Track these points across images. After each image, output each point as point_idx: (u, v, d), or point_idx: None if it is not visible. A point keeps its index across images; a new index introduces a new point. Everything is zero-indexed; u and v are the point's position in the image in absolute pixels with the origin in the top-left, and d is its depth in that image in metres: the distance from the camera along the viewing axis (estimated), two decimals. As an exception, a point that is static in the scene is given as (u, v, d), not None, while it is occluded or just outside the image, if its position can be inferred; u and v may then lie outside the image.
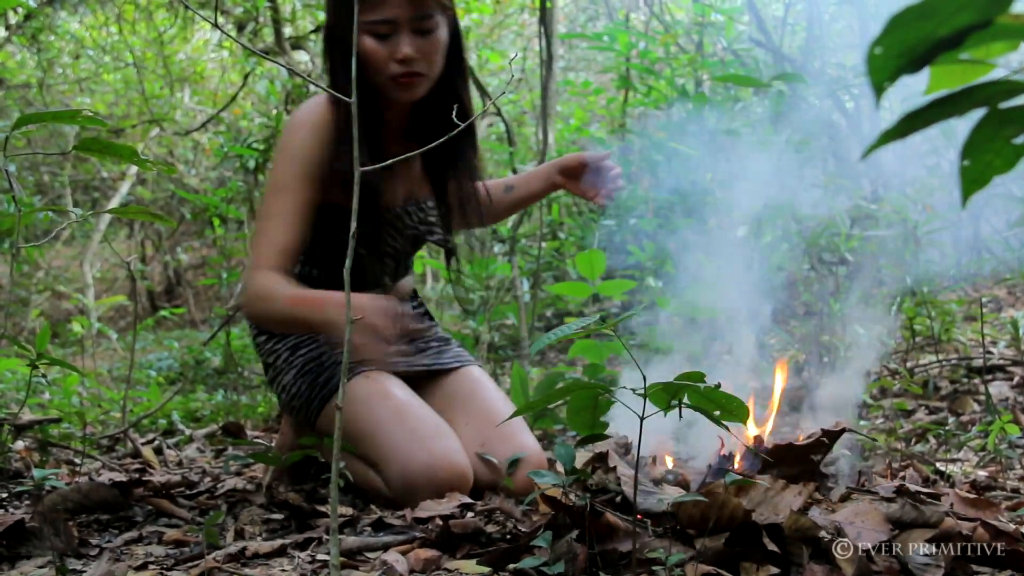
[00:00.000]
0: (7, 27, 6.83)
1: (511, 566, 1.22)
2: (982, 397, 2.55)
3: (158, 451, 2.57)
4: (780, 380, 1.78)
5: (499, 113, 5.02)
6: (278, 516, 1.63)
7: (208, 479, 2.13)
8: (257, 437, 2.76)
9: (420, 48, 1.78)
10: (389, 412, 1.79)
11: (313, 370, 1.90)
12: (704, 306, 2.46)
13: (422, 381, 2.01)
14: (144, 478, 2.00)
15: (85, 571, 1.30)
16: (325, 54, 1.89)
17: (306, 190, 1.79)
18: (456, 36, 1.88)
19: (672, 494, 1.34)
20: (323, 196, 1.82)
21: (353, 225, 1.08)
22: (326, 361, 1.91)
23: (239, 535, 1.52)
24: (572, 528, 1.21)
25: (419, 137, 1.94)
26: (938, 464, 1.88)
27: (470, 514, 1.59)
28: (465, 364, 2.06)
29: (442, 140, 1.34)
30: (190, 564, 1.33)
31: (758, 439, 1.59)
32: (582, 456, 1.39)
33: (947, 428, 2.28)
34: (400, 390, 1.86)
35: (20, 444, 2.35)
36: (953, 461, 2.00)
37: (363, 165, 1.75)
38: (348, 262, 1.09)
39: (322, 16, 6.81)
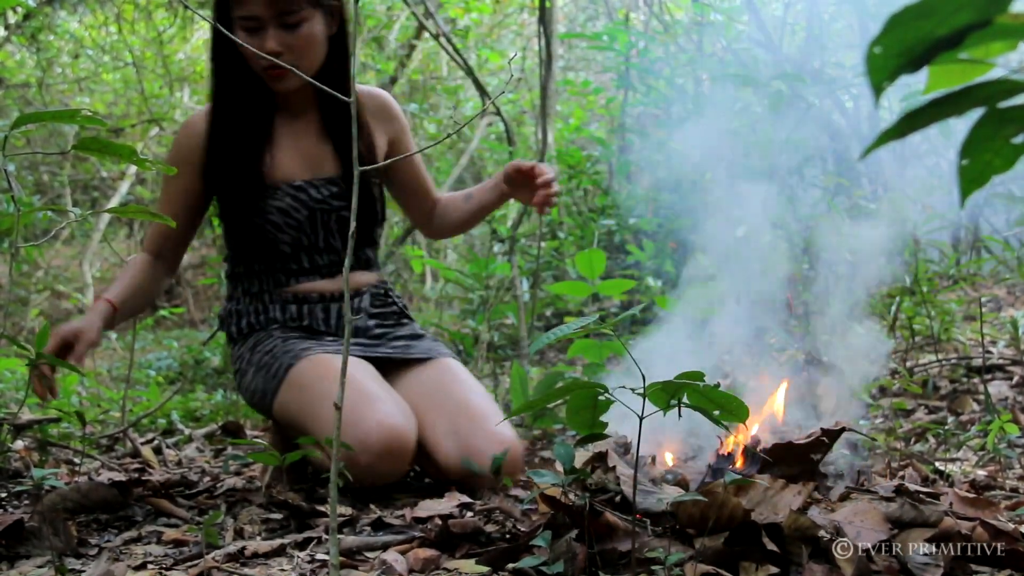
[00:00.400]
0: (6, 26, 6.82)
1: (510, 565, 1.22)
2: (981, 396, 2.55)
3: (157, 451, 2.57)
4: (781, 398, 1.77)
5: (498, 112, 5.02)
6: (277, 516, 1.63)
7: (207, 479, 2.13)
8: (256, 437, 2.76)
9: (285, 42, 1.89)
10: (325, 390, 1.84)
11: (267, 363, 1.97)
12: (705, 306, 2.46)
13: (393, 369, 2.03)
14: (143, 478, 2.00)
15: (84, 571, 1.30)
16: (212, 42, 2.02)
17: (176, 180, 2.01)
18: (342, 28, 2.00)
19: (671, 494, 1.34)
20: (204, 186, 2.04)
21: (353, 225, 1.08)
22: (278, 353, 1.97)
23: (238, 535, 1.52)
24: (571, 527, 1.21)
25: (329, 119, 2.08)
26: (937, 463, 1.88)
27: (469, 514, 1.59)
28: (439, 356, 2.07)
29: (439, 142, 1.34)
30: (189, 564, 1.33)
31: (755, 439, 1.58)
32: (581, 455, 1.39)
33: (946, 428, 2.28)
34: (339, 365, 1.87)
35: (19, 444, 2.35)
36: (952, 460, 2.00)
37: (245, 142, 1.98)
38: (348, 261, 1.09)
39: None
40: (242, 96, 2.00)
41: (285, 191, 2.01)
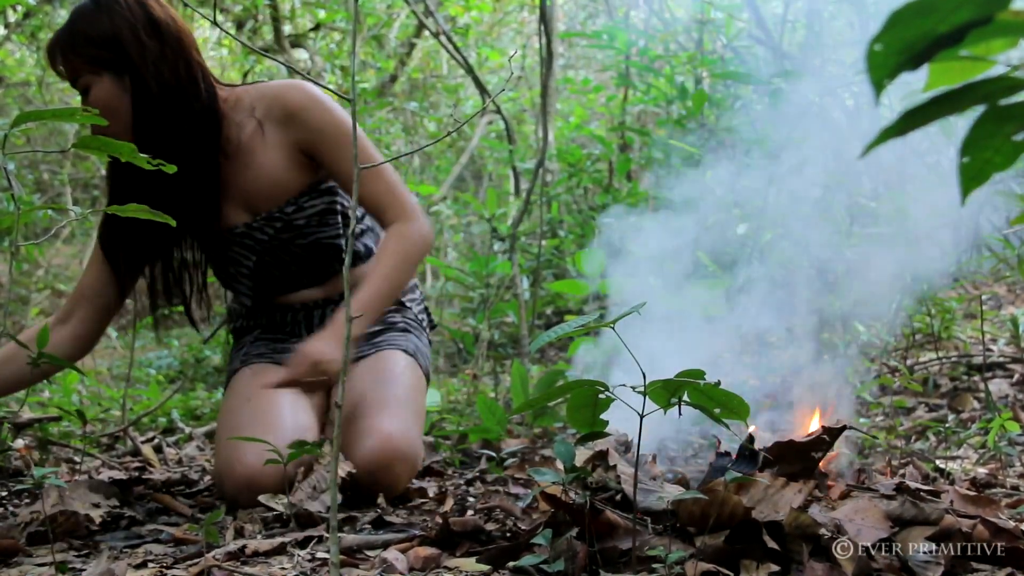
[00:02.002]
0: (6, 25, 6.82)
1: (511, 564, 1.22)
2: (982, 394, 2.55)
3: (158, 449, 2.57)
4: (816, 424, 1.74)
5: (499, 111, 5.02)
6: (277, 514, 1.63)
7: (208, 477, 2.13)
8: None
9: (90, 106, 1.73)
10: (239, 407, 1.87)
11: (230, 367, 2.06)
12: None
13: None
14: (144, 476, 2.01)
15: (85, 570, 1.30)
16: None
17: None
18: (143, 86, 1.80)
19: (672, 492, 1.34)
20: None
21: (353, 224, 1.07)
22: (236, 357, 2.06)
23: (239, 533, 1.52)
24: (572, 526, 1.21)
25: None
26: (938, 461, 1.88)
27: (470, 512, 1.59)
28: (382, 348, 2.02)
29: (438, 140, 1.34)
30: (190, 562, 1.33)
31: (750, 437, 1.58)
32: (582, 454, 1.38)
33: (947, 426, 2.28)
34: (268, 389, 1.87)
35: (20, 442, 2.35)
36: (953, 458, 1.99)
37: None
38: (347, 260, 1.09)
39: (322, 13, 6.81)
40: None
41: (238, 234, 1.97)
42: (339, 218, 1.99)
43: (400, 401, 1.88)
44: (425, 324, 2.20)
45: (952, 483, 1.65)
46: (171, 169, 1.30)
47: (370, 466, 1.74)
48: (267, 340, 2.04)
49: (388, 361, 1.98)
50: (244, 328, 2.12)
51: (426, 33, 6.98)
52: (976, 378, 2.72)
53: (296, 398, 1.88)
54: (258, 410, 1.84)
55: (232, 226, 1.96)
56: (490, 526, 1.44)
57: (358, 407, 1.85)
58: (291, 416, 1.83)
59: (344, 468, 1.73)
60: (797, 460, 1.44)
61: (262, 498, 1.66)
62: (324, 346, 1.82)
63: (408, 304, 2.15)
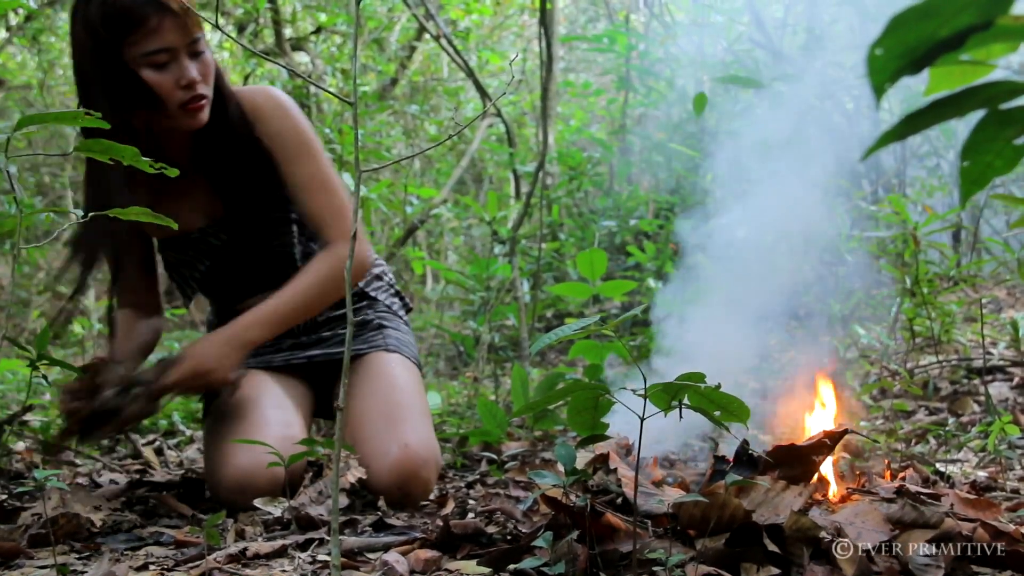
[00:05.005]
0: (8, 28, 6.83)
1: (511, 566, 1.22)
2: (982, 398, 2.55)
3: (159, 452, 2.57)
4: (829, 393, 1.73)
5: (499, 114, 5.02)
6: (278, 516, 1.63)
7: (209, 480, 2.13)
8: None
9: (199, 71, 1.76)
10: (223, 412, 1.85)
11: None
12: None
13: (334, 371, 2.02)
14: (145, 479, 2.01)
15: (86, 572, 1.30)
16: (80, 90, 1.79)
17: None
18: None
19: (673, 495, 1.34)
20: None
21: (354, 226, 1.08)
22: None
23: (240, 535, 1.52)
24: (573, 529, 1.21)
25: (206, 165, 1.91)
26: (938, 465, 1.88)
27: (471, 515, 1.60)
28: (364, 352, 2.00)
29: (439, 144, 1.34)
30: (191, 565, 1.33)
31: (745, 442, 1.58)
32: (583, 457, 1.39)
33: (947, 429, 2.28)
34: (259, 394, 1.88)
35: (21, 445, 2.35)
36: (953, 462, 2.00)
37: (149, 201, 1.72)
38: (349, 262, 1.09)
39: (323, 17, 6.82)
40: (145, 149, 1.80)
41: (192, 239, 1.95)
42: (293, 227, 1.97)
43: (407, 407, 1.87)
44: (399, 309, 2.15)
45: (952, 486, 1.65)
46: (173, 173, 1.31)
47: (398, 480, 1.74)
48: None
49: (378, 366, 1.96)
50: None
51: (427, 36, 6.99)
52: (976, 381, 2.72)
53: (280, 398, 1.89)
54: (243, 412, 1.83)
55: (189, 231, 1.95)
56: (491, 529, 1.44)
57: (365, 423, 1.84)
58: (277, 415, 1.83)
59: (354, 474, 1.74)
60: (798, 464, 1.44)
61: (258, 502, 1.66)
62: (210, 350, 1.78)
63: (374, 294, 2.11)
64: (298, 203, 1.92)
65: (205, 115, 1.80)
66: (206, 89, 1.78)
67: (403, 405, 1.87)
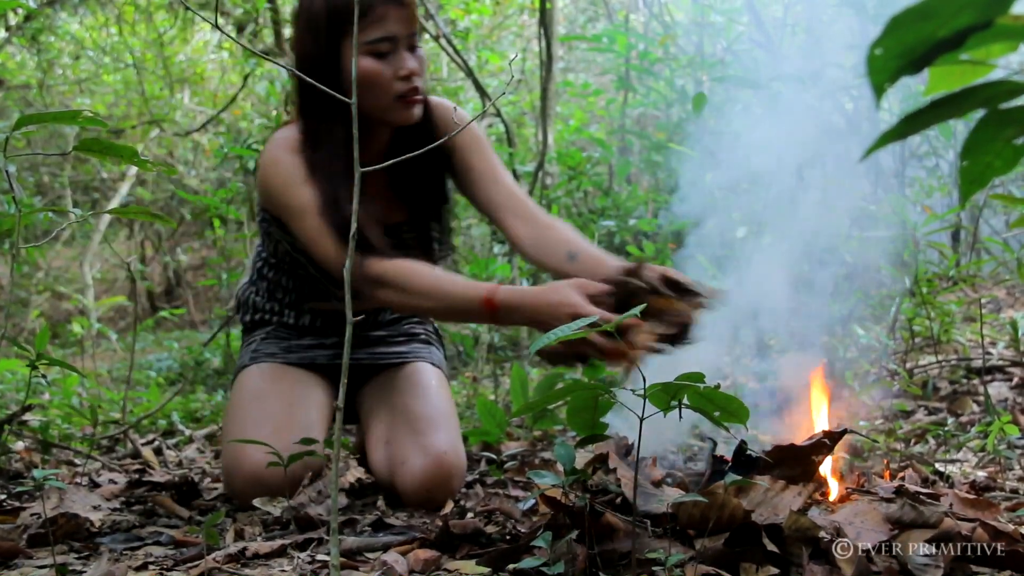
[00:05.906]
0: (7, 28, 6.83)
1: (511, 566, 1.22)
2: (981, 398, 2.55)
3: (158, 452, 2.57)
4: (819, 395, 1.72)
5: (499, 114, 5.02)
6: (277, 516, 1.63)
7: (208, 479, 2.13)
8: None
9: (417, 64, 1.75)
10: (247, 405, 1.88)
11: (239, 362, 2.04)
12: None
13: (366, 374, 2.02)
14: (144, 479, 2.01)
15: (85, 572, 1.30)
16: (297, 86, 1.79)
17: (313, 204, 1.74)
18: None
19: (672, 495, 1.34)
20: None
21: (353, 226, 1.08)
22: (246, 352, 2.01)
23: (239, 535, 1.52)
24: (572, 528, 1.21)
25: (397, 166, 1.85)
26: (937, 465, 1.88)
27: (470, 515, 1.60)
28: (411, 360, 2.02)
29: (439, 143, 1.34)
30: (190, 564, 1.33)
31: (743, 443, 1.58)
32: (582, 457, 1.39)
33: (946, 429, 2.28)
34: (276, 388, 1.89)
35: (20, 445, 2.35)
36: (952, 462, 1.99)
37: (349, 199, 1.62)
38: (348, 263, 1.09)
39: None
40: (341, 134, 1.73)
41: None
42: (432, 232, 1.95)
43: (444, 416, 1.89)
44: (439, 338, 2.20)
45: (951, 486, 1.65)
46: (173, 172, 1.31)
47: (427, 483, 1.75)
48: (278, 339, 2.00)
49: (423, 375, 2.00)
50: (258, 322, 2.04)
51: (426, 36, 6.99)
52: (975, 381, 2.72)
53: (304, 395, 1.89)
54: (266, 408, 1.85)
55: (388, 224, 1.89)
56: (490, 529, 1.44)
57: (402, 422, 1.86)
58: (300, 414, 1.85)
59: (354, 474, 1.74)
60: (797, 464, 1.44)
61: (257, 502, 1.67)
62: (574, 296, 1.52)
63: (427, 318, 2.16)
64: (482, 198, 1.89)
65: (419, 110, 1.78)
66: (422, 83, 1.76)
67: (442, 413, 1.90)
